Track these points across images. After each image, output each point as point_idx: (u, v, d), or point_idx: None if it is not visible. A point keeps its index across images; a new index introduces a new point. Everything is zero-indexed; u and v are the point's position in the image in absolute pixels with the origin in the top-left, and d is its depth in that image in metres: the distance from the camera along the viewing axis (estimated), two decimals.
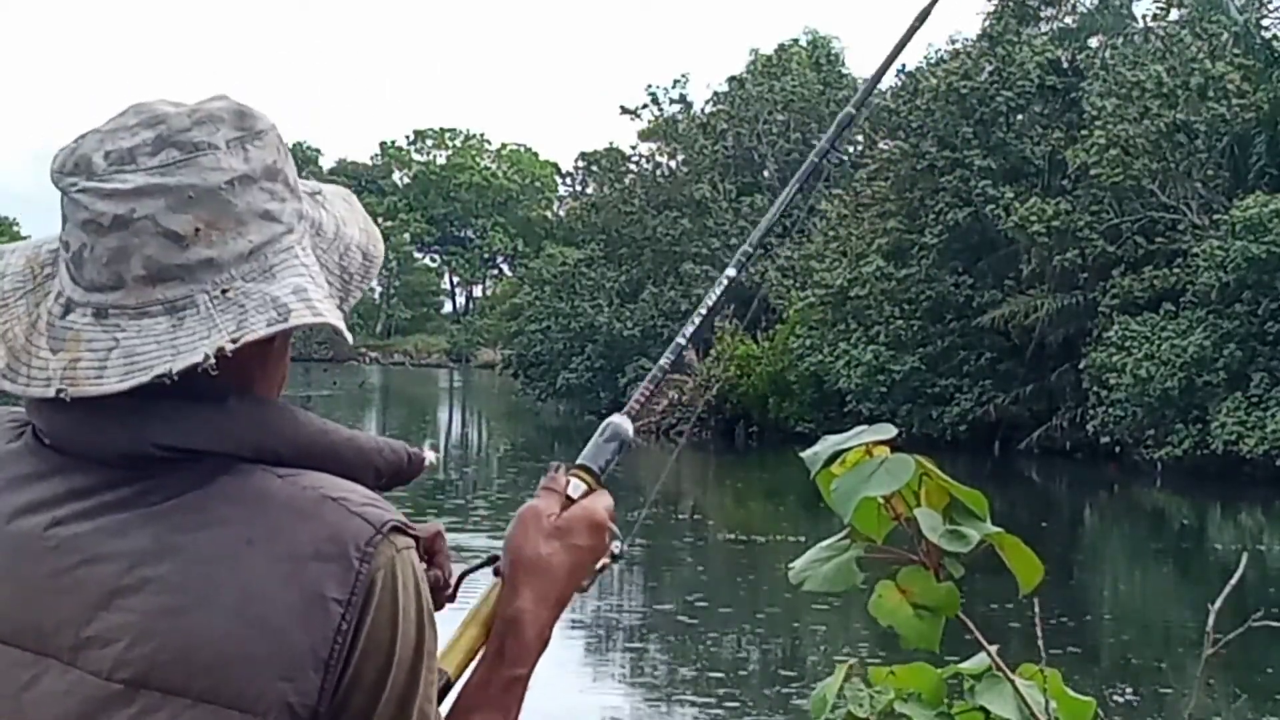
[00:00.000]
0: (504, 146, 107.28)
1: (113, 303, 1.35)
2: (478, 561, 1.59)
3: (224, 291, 1.34)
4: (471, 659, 1.53)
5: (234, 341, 1.32)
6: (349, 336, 1.41)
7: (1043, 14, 40.30)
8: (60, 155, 1.38)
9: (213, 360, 1.31)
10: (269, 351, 1.42)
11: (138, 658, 1.30)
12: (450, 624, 1.51)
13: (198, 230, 1.34)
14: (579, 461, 1.64)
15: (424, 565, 1.41)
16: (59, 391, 1.33)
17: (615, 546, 1.61)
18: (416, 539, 1.38)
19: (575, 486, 1.61)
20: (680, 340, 1.79)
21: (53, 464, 1.38)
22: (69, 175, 1.37)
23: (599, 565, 1.60)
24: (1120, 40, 38.16)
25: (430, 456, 1.48)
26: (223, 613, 1.30)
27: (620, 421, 1.68)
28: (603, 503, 1.60)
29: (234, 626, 1.29)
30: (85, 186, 1.35)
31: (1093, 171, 33.22)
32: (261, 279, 1.36)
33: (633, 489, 1.72)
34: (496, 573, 1.57)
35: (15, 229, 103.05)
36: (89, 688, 1.31)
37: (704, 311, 1.84)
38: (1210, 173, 33.27)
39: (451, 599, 1.57)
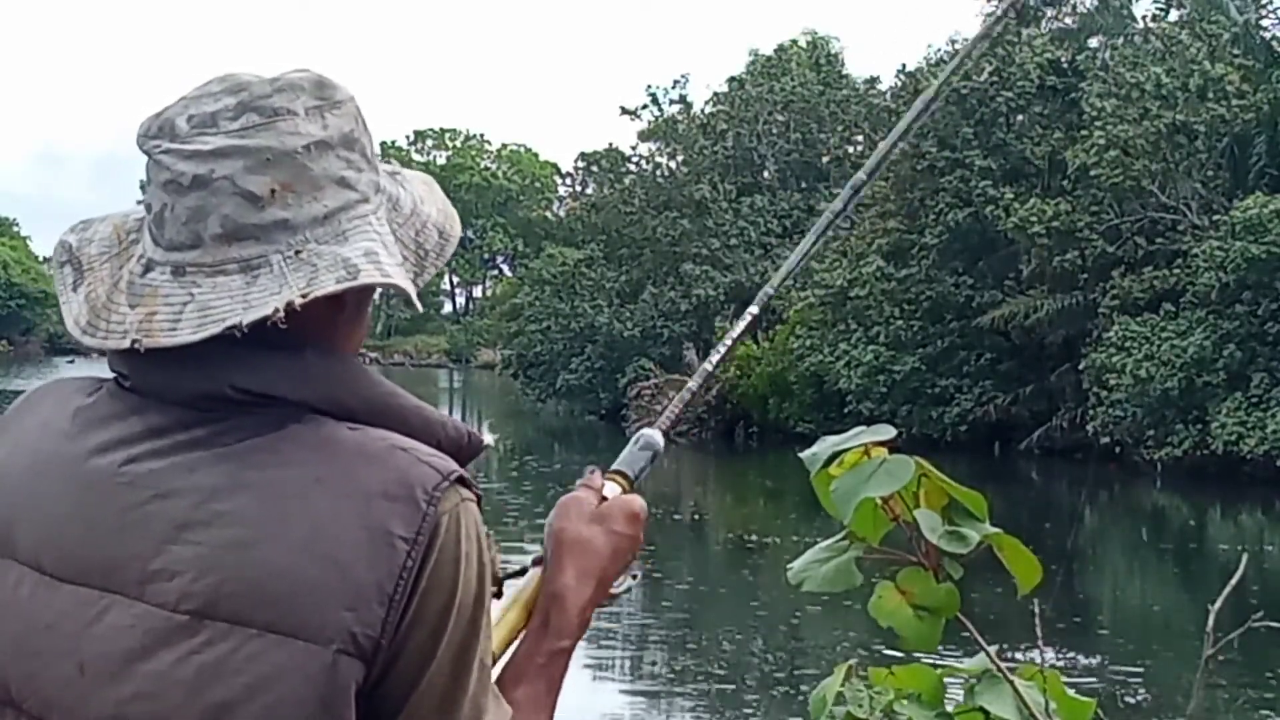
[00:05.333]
0: (504, 147, 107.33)
1: (190, 261, 1.39)
2: (514, 569, 1.62)
3: (297, 252, 1.39)
4: (513, 639, 1.57)
5: (303, 297, 1.36)
6: (419, 305, 1.46)
7: (1043, 14, 40.27)
8: (146, 121, 1.43)
9: (282, 314, 1.35)
10: (341, 312, 1.45)
11: (204, 589, 1.32)
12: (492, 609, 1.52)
13: (274, 191, 1.38)
14: (614, 467, 1.71)
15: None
16: (134, 343, 1.38)
17: (635, 568, 1.66)
18: (479, 495, 1.42)
19: (611, 489, 1.67)
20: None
21: (130, 405, 1.43)
22: (153, 138, 1.41)
23: (621, 586, 1.64)
24: (1120, 41, 38.10)
25: (489, 439, 1.50)
26: (290, 547, 1.32)
27: (653, 434, 1.76)
28: (638, 501, 1.66)
29: (301, 560, 1.32)
30: (168, 148, 1.40)
31: (1093, 172, 33.17)
32: (334, 242, 1.40)
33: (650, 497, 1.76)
34: (536, 564, 1.62)
35: (15, 229, 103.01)
36: (153, 619, 1.33)
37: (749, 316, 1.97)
38: (1210, 173, 33.24)
39: (498, 595, 1.58)
